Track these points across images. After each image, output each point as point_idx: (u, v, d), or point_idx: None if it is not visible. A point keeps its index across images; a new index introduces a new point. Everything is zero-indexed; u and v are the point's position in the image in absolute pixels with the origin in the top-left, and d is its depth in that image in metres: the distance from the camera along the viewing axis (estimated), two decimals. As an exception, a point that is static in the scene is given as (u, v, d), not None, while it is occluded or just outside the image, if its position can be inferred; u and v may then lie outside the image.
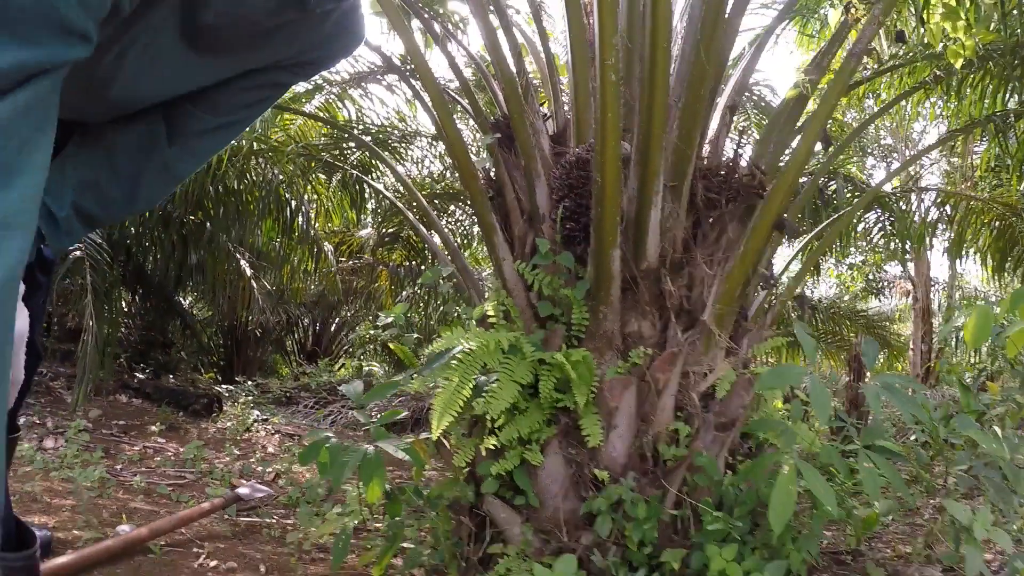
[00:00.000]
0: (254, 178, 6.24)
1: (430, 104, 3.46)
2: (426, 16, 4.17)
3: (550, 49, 3.91)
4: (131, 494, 3.79)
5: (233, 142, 5.11)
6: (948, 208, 6.49)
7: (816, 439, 2.86)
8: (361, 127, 5.99)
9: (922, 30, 4.14)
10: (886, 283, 13.18)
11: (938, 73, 4.30)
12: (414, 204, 5.46)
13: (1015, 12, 4.04)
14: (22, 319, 1.16)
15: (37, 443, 4.46)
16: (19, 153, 0.73)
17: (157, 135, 1.22)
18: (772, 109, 5.42)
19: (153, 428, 5.41)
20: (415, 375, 2.75)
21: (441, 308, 8.04)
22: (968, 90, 4.74)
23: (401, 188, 6.00)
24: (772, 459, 2.48)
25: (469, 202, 6.03)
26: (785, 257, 5.58)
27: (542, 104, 3.74)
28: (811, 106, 3.51)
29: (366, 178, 6.17)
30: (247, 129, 4.75)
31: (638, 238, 2.82)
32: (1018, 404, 3.51)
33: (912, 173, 9.37)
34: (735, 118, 4.03)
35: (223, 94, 1.20)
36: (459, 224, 7.50)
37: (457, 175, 5.41)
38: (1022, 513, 3.08)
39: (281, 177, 6.17)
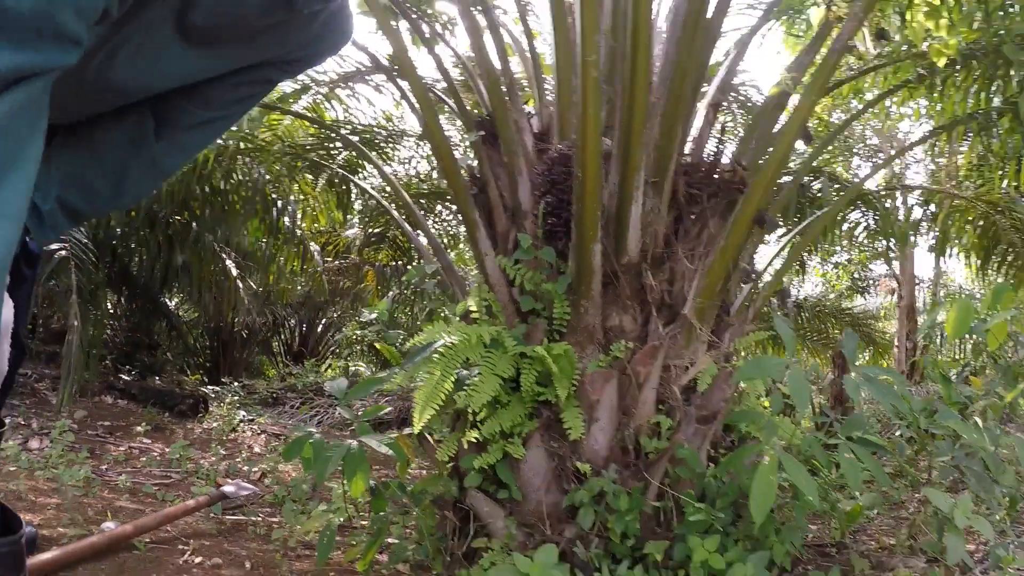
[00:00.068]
0: (240, 178, 6.20)
1: (415, 103, 3.47)
2: (414, 16, 4.17)
3: (536, 48, 3.93)
4: (116, 493, 3.78)
5: (220, 141, 5.10)
6: (932, 206, 6.54)
7: (797, 431, 2.89)
8: (348, 127, 5.98)
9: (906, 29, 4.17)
10: (871, 281, 13.24)
11: (921, 72, 4.32)
12: (400, 204, 5.45)
13: (1000, 12, 4.05)
14: (7, 310, 1.16)
15: (22, 444, 4.44)
16: (14, 149, 0.75)
17: (145, 130, 1.23)
18: (757, 108, 5.44)
19: (139, 429, 5.39)
20: (398, 370, 2.76)
21: (428, 308, 8.02)
22: (952, 89, 4.76)
23: (388, 188, 5.98)
24: (753, 450, 2.50)
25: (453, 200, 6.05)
26: (769, 254, 5.62)
27: (527, 102, 3.76)
28: (793, 103, 3.54)
29: (353, 178, 6.15)
30: (234, 128, 4.75)
31: (619, 233, 2.84)
32: (1000, 397, 3.54)
33: (897, 172, 9.43)
34: (720, 116, 4.06)
35: (216, 89, 1.22)
36: (445, 223, 7.50)
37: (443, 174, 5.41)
38: (1004, 503, 3.12)
39: (268, 177, 6.14)
